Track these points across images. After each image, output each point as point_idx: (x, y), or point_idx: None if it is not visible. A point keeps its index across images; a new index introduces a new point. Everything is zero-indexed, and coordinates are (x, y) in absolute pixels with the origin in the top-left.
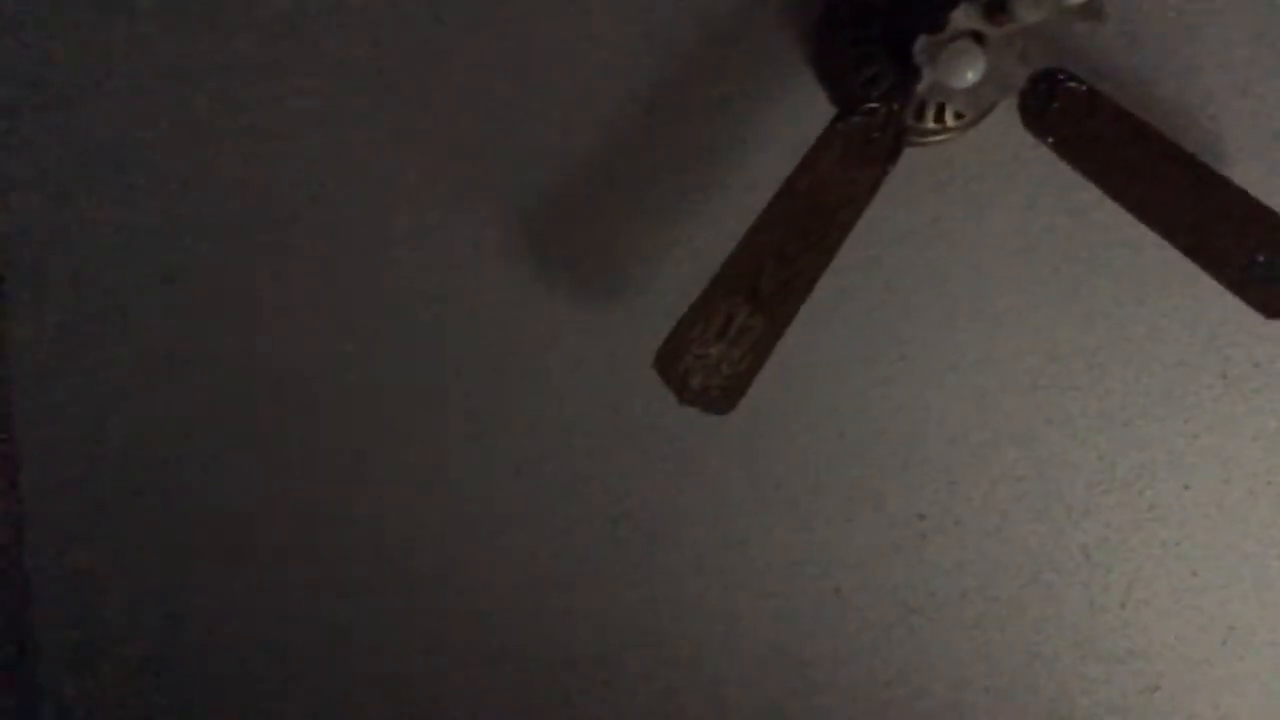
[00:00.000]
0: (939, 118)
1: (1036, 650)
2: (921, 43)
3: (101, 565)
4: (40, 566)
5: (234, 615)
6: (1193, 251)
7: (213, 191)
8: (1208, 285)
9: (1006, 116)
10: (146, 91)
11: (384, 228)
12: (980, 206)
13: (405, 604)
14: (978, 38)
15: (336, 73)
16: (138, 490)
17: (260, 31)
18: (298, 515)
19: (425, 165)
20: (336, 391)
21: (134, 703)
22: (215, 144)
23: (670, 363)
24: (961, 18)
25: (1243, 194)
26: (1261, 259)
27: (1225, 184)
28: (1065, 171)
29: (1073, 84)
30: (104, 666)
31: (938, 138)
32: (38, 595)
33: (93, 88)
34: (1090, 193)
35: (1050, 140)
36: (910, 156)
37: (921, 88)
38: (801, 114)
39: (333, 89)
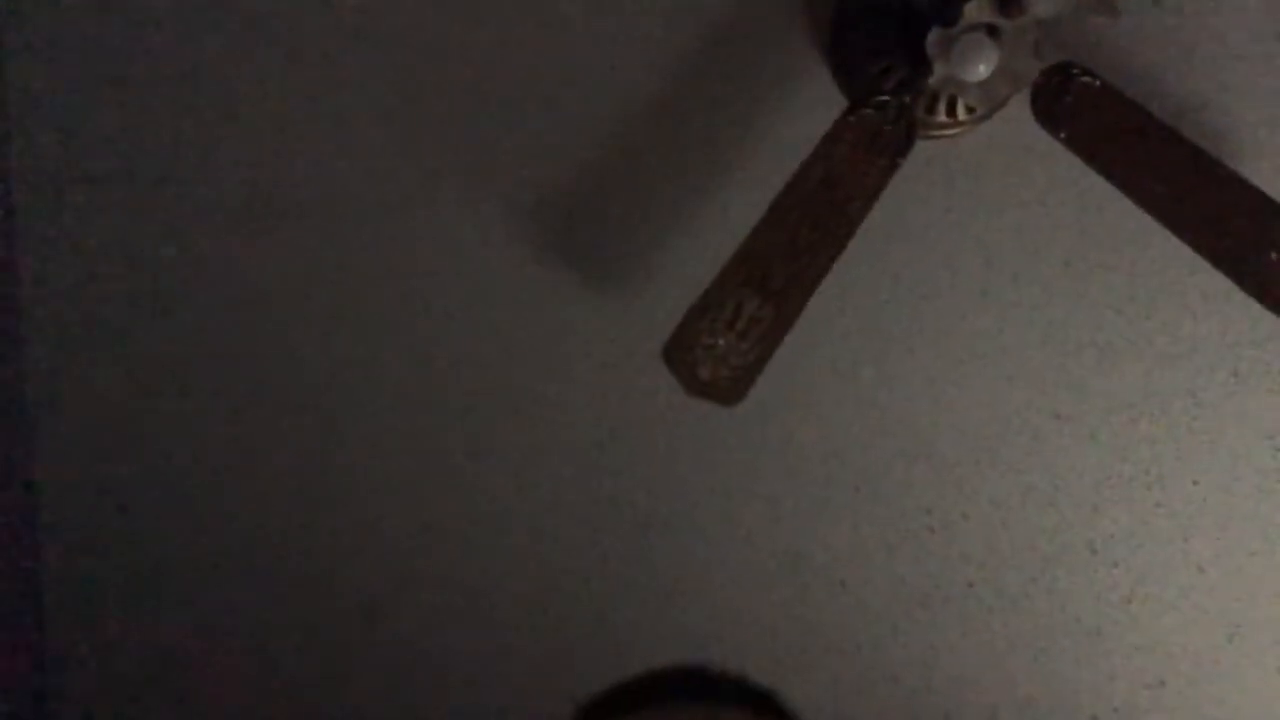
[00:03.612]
0: (951, 111)
1: (1041, 645)
2: (934, 35)
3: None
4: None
5: (239, 605)
6: (1205, 248)
7: (221, 182)
8: (1219, 282)
9: (1019, 110)
10: (152, 84)
11: (392, 220)
12: (991, 201)
13: (411, 588)
14: (991, 31)
15: (346, 65)
16: (145, 486)
17: (271, 23)
18: (305, 499)
19: (434, 156)
20: (344, 381)
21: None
22: (224, 134)
23: (678, 354)
24: (974, 10)
25: (1257, 191)
26: (1275, 256)
27: (1239, 181)
28: (1077, 166)
29: (1086, 78)
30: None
31: (949, 131)
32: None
33: (96, 79)
34: (1102, 188)
35: (1062, 135)
36: (922, 149)
37: (934, 81)
38: (813, 105)
39: (343, 81)
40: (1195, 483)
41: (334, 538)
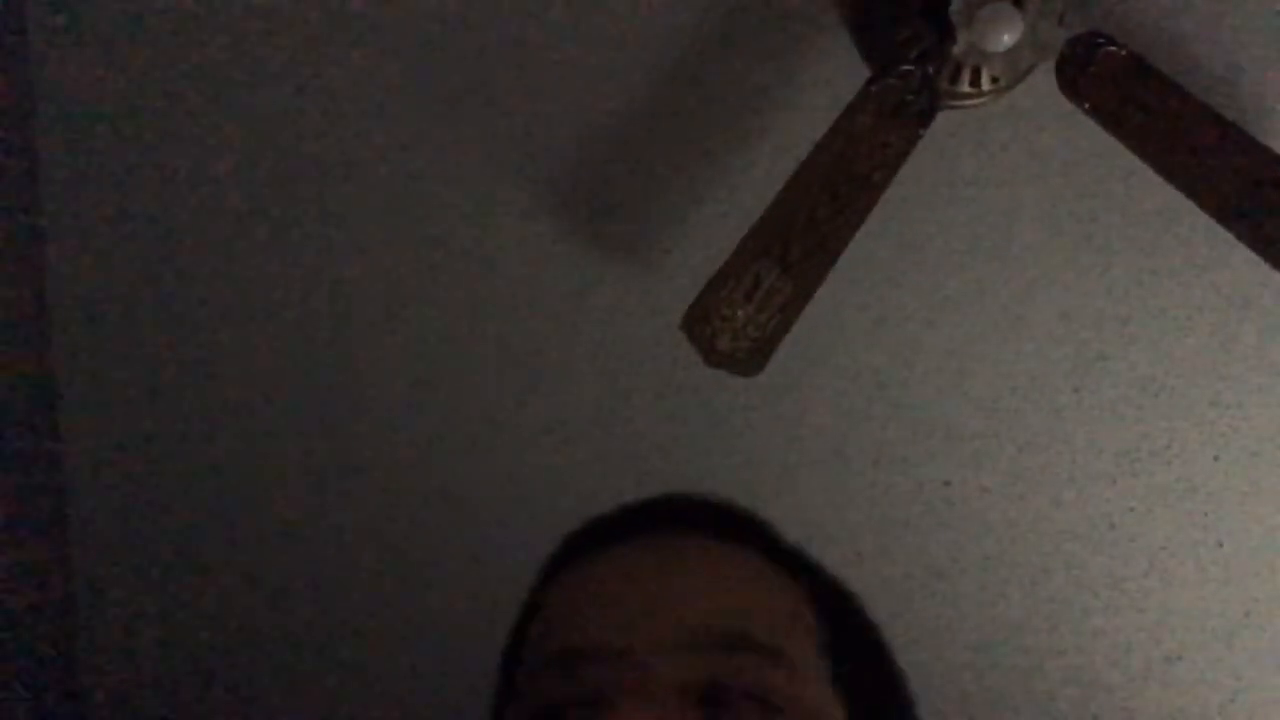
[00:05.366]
0: (975, 81)
1: (1059, 618)
2: (958, 4)
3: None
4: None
5: (269, 580)
6: (1229, 221)
7: (259, 147)
8: (1243, 255)
9: (1043, 80)
10: (198, 47)
11: (420, 189)
12: (1014, 172)
13: (434, 560)
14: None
15: (367, 43)
16: (174, 451)
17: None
18: (331, 465)
19: (460, 127)
20: (371, 347)
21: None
22: (268, 103)
23: (698, 324)
24: None
25: None
26: None
27: (1267, 153)
28: (1102, 137)
29: (1111, 48)
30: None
31: (973, 101)
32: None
33: (134, 36)
34: (1126, 159)
35: (1087, 105)
36: (944, 120)
37: (957, 50)
38: (836, 76)
39: (379, 57)
40: (1216, 458)
41: (358, 498)
